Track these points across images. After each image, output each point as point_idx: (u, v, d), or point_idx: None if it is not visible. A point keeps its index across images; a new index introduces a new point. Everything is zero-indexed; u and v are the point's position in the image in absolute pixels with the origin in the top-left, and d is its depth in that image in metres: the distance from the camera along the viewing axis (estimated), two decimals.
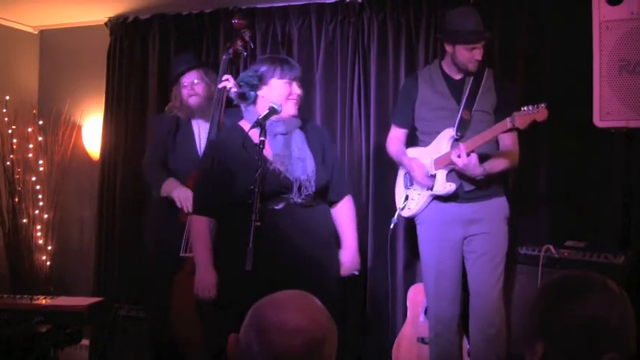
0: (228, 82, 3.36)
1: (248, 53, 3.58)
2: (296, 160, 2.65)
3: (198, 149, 3.48)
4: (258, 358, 1.23)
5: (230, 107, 3.29)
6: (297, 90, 2.73)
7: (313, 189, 2.65)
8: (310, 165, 2.68)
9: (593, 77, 2.84)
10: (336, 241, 2.82)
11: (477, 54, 3.03)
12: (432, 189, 3.06)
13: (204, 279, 2.68)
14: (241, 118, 2.81)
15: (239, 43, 3.45)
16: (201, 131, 3.52)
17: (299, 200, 2.62)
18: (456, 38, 3.02)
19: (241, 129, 2.73)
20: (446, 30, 3.08)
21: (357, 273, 2.87)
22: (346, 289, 2.90)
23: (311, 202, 2.67)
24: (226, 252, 2.67)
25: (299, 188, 2.62)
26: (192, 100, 3.48)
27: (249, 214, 2.46)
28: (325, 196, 2.79)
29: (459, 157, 2.89)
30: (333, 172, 2.80)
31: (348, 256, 2.80)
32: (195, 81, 3.49)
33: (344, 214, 2.84)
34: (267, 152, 2.64)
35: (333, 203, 2.84)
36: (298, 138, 2.73)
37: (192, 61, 3.62)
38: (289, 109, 2.71)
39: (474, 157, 2.91)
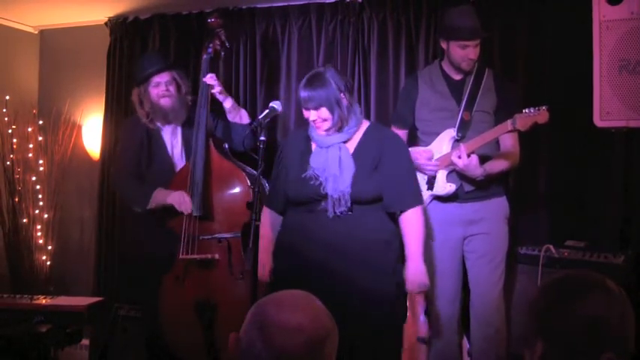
0: (213, 80, 3.34)
1: (225, 53, 3.57)
2: (331, 175, 2.67)
3: (173, 158, 3.43)
4: (261, 356, 1.23)
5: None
6: (308, 115, 2.71)
7: (348, 204, 2.65)
8: (346, 181, 2.66)
9: (593, 77, 2.84)
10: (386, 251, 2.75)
11: (471, 53, 3.02)
12: (432, 189, 3.07)
13: (262, 264, 2.82)
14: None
15: (217, 42, 3.42)
16: (173, 139, 3.46)
17: (333, 212, 2.66)
18: (449, 35, 3.03)
19: (305, 135, 2.83)
20: (441, 27, 3.11)
21: (425, 289, 2.72)
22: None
23: (352, 211, 2.67)
24: (276, 246, 2.84)
25: (333, 204, 2.65)
26: (165, 102, 3.37)
27: (299, 213, 2.73)
28: (378, 205, 2.73)
29: (459, 157, 2.90)
30: (390, 183, 2.70)
31: (410, 270, 2.70)
32: (168, 81, 3.39)
33: (406, 226, 2.73)
34: (312, 162, 2.75)
35: (399, 212, 2.76)
36: (335, 153, 2.71)
37: (164, 62, 3.52)
38: (317, 129, 2.75)
39: (474, 157, 2.91)
